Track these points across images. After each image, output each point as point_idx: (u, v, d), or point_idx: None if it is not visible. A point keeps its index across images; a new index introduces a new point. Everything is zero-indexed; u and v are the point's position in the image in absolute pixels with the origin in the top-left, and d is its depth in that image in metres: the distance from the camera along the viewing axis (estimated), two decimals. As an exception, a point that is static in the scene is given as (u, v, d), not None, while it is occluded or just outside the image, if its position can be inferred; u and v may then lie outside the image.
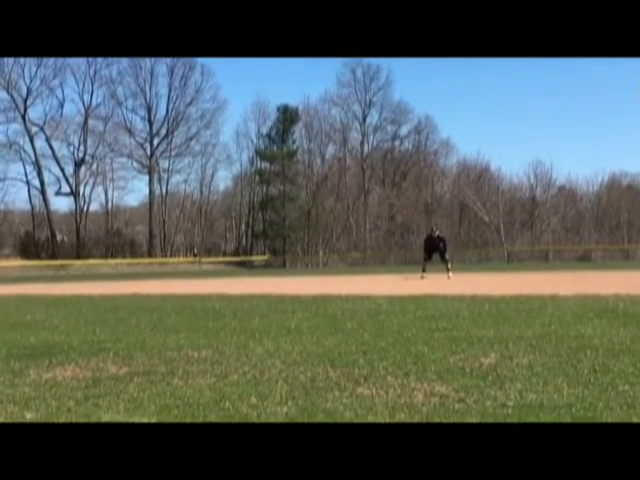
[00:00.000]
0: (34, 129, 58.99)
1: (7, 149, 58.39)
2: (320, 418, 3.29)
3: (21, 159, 59.69)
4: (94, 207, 65.23)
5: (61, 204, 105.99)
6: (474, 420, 3.17)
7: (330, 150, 64.43)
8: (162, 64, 60.88)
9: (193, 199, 66.50)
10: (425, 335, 6.12)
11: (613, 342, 5.43)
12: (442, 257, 20.49)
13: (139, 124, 62.50)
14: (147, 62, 60.23)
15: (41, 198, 60.30)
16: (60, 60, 56.86)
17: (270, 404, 3.60)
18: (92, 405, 3.72)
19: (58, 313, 9.92)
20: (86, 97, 60.76)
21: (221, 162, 65.46)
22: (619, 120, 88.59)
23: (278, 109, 60.06)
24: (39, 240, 60.95)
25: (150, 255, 59.12)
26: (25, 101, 57.96)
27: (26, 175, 60.02)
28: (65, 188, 60.77)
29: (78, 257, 54.83)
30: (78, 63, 59.43)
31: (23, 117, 57.99)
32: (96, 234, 63.35)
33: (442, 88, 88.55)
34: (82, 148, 60.64)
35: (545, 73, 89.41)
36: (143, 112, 61.92)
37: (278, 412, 3.42)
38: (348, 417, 3.29)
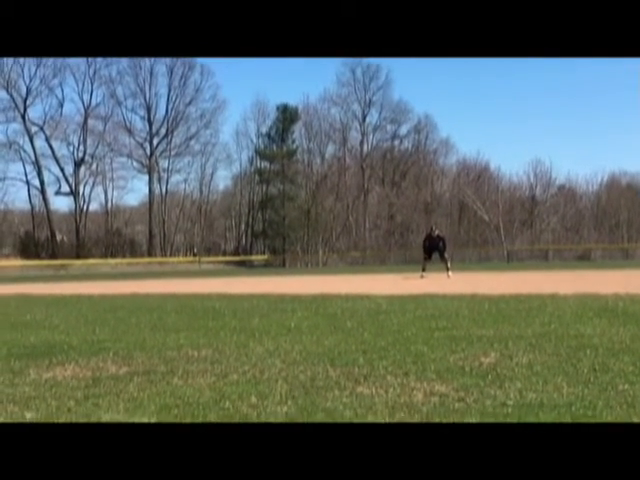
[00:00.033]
0: (34, 129, 59.06)
1: (7, 149, 58.49)
2: (320, 417, 3.29)
3: (21, 159, 59.79)
4: (94, 207, 65.34)
5: (61, 204, 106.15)
6: (474, 419, 3.17)
7: (330, 149, 64.56)
8: (162, 64, 60.97)
9: (193, 199, 66.49)
10: (425, 334, 6.12)
11: (613, 341, 5.43)
12: (441, 256, 20.51)
13: (139, 124, 62.61)
14: (147, 62, 60.32)
15: (41, 198, 60.36)
16: (60, 60, 56.96)
17: (270, 403, 3.60)
18: (92, 405, 3.72)
19: (58, 313, 9.92)
20: (86, 97, 60.86)
21: (221, 161, 65.57)
22: (619, 120, 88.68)
23: (278, 108, 60.10)
24: (39, 240, 60.95)
25: (150, 255, 59.13)
26: (25, 101, 57.99)
27: (26, 175, 60.13)
28: (65, 188, 60.87)
29: (78, 257, 54.85)
30: (78, 63, 59.52)
31: (23, 117, 58.01)
32: (96, 234, 63.36)
33: (442, 88, 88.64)
34: (82, 148, 60.73)
35: (545, 73, 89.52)
36: (143, 112, 62.01)
37: (278, 411, 3.42)
38: (348, 416, 3.29)
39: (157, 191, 62.75)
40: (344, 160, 63.31)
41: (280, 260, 55.52)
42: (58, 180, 60.69)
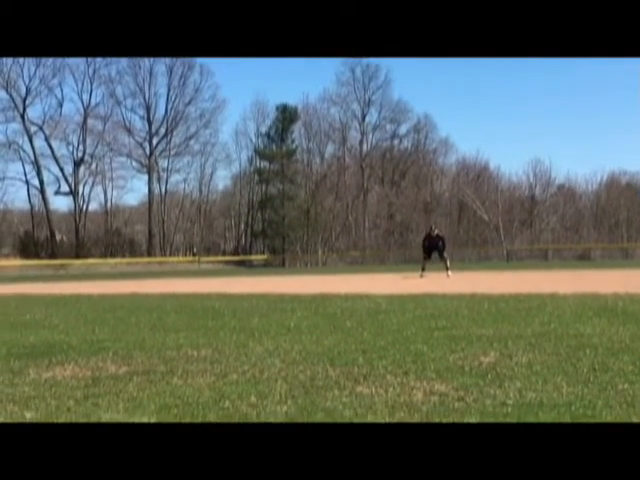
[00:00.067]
0: (33, 128, 59.07)
1: (6, 148, 58.52)
2: (320, 417, 3.29)
3: (20, 158, 59.80)
4: (93, 206, 65.39)
5: (60, 203, 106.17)
6: (474, 419, 3.17)
7: (329, 149, 64.60)
8: (161, 64, 61.02)
9: (192, 198, 66.51)
10: (424, 334, 6.13)
11: (612, 341, 5.43)
12: (441, 256, 20.52)
13: (138, 123, 62.64)
14: (146, 62, 60.35)
15: (40, 197, 60.39)
16: (59, 60, 56.94)
17: (270, 403, 3.60)
18: (92, 404, 3.72)
19: (57, 312, 9.92)
20: (85, 96, 60.89)
21: (220, 161, 65.60)
22: (619, 119, 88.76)
23: (277, 108, 60.12)
24: (38, 239, 60.96)
25: (149, 254, 59.14)
26: (24, 100, 57.99)
27: (25, 174, 60.15)
28: (64, 187, 60.89)
29: (77, 256, 54.86)
30: (77, 63, 59.56)
31: (22, 116, 58.01)
32: (95, 233, 63.37)
33: (441, 87, 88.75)
34: (81, 147, 60.76)
35: (545, 73, 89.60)
36: (142, 111, 62.04)
37: (278, 411, 3.42)
38: (348, 416, 3.29)
39: (157, 191, 62.84)
40: (343, 160, 63.33)
41: (280, 260, 55.53)
42: (57, 180, 60.79)
